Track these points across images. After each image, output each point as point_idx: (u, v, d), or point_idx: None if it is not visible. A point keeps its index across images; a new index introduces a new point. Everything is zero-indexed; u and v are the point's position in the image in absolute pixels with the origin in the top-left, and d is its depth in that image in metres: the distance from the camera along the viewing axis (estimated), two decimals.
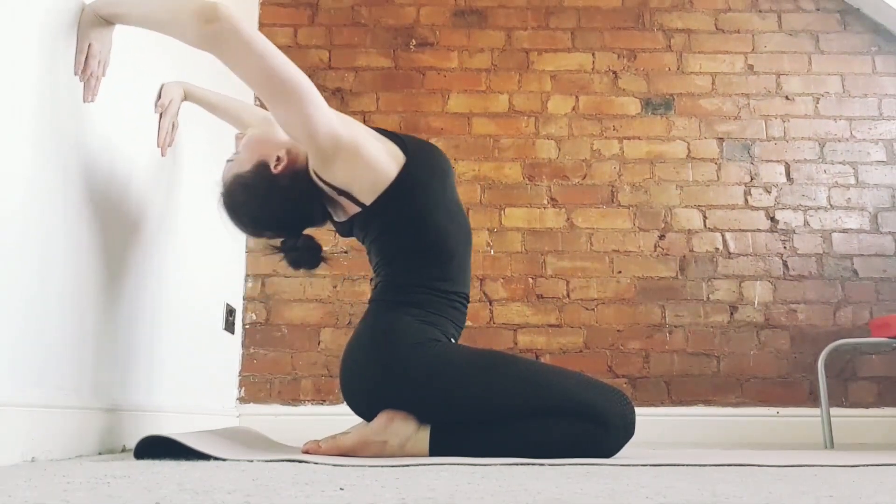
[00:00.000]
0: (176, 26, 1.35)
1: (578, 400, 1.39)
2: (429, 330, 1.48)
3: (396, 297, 1.52)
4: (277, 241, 1.60)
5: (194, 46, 1.36)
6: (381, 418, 1.43)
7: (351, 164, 1.47)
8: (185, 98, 1.79)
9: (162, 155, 1.74)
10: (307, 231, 1.61)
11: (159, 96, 1.72)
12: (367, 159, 1.47)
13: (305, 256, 1.59)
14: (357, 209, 1.52)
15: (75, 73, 1.33)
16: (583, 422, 1.38)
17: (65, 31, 1.31)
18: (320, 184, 1.53)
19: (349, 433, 1.46)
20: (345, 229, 1.61)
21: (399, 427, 1.42)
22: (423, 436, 1.42)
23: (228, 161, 1.59)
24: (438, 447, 1.40)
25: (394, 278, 1.54)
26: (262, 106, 1.90)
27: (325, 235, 2.03)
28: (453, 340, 1.56)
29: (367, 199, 1.50)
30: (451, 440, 1.40)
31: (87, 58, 1.35)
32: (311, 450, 1.44)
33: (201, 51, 1.37)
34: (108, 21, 1.39)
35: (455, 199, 1.61)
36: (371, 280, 1.64)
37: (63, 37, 1.31)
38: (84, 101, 1.36)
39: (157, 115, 1.72)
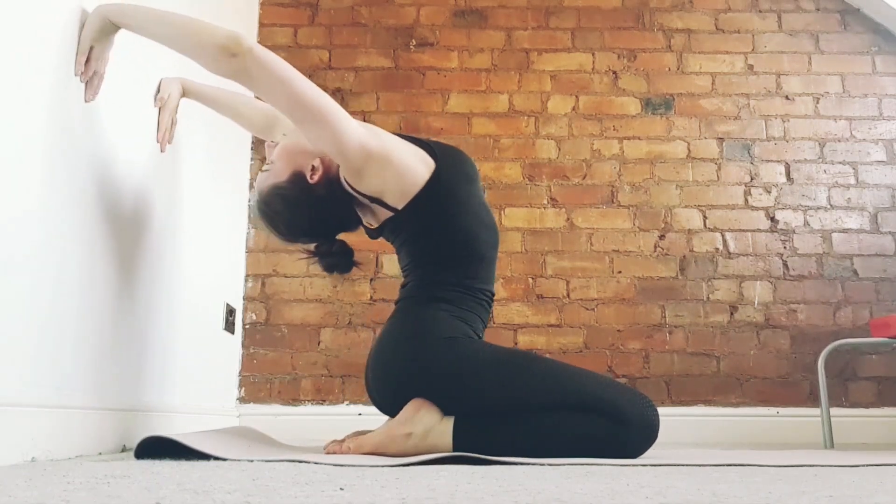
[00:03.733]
0: (200, 57, 1.37)
1: (599, 397, 1.41)
2: (460, 326, 1.52)
3: (428, 292, 1.56)
4: (311, 246, 1.65)
5: (216, 75, 1.39)
6: (408, 409, 1.45)
7: (382, 173, 1.50)
8: (185, 94, 1.79)
9: (161, 151, 1.74)
10: (340, 236, 1.66)
11: (158, 91, 1.73)
12: (398, 166, 1.51)
13: (339, 261, 1.64)
14: (389, 214, 1.56)
15: (76, 74, 1.33)
16: (603, 419, 1.40)
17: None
18: (352, 192, 1.57)
19: (373, 430, 1.48)
20: (375, 232, 1.66)
21: (424, 417, 1.44)
22: (447, 427, 1.43)
23: (263, 171, 1.62)
24: (461, 440, 1.41)
25: (424, 278, 1.58)
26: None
27: None
28: (480, 336, 1.60)
29: (399, 204, 1.54)
30: (474, 433, 1.42)
31: (88, 59, 1.35)
32: (335, 451, 1.44)
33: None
34: (115, 25, 1.39)
35: (482, 201, 1.65)
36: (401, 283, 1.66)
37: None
38: (86, 101, 1.36)
39: (156, 111, 1.72)
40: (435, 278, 1.57)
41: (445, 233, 1.56)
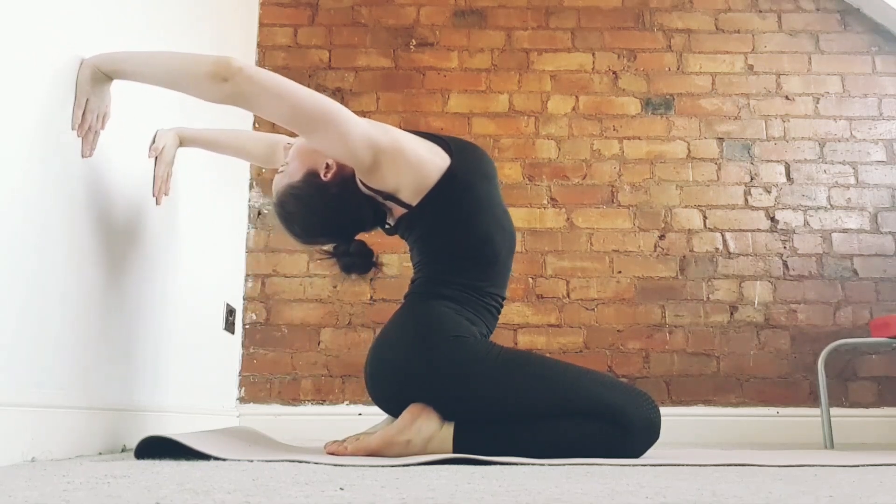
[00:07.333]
0: (193, 89, 1.36)
1: (603, 402, 1.40)
2: (466, 325, 1.50)
3: (434, 289, 1.54)
4: (329, 247, 1.63)
5: (213, 103, 1.38)
6: (406, 416, 1.44)
7: (395, 168, 1.49)
8: (182, 143, 1.78)
9: (157, 203, 1.73)
10: (359, 236, 1.64)
11: (153, 141, 1.71)
12: (410, 160, 1.49)
13: (358, 262, 1.62)
14: (403, 210, 1.54)
15: (73, 128, 1.32)
16: (607, 424, 1.39)
17: (66, 27, 1.31)
18: (366, 191, 1.55)
19: (373, 433, 1.47)
20: (392, 230, 1.64)
21: (423, 425, 1.42)
22: (447, 434, 1.42)
23: (279, 172, 1.61)
24: (462, 446, 1.40)
25: (434, 275, 1.56)
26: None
27: None
28: None
29: (413, 200, 1.52)
30: (474, 439, 1.40)
31: (84, 112, 1.34)
32: (335, 451, 1.44)
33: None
34: (108, 76, 1.38)
35: (500, 202, 1.63)
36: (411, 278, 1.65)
37: (64, 31, 1.31)
38: (82, 157, 1.35)
39: (152, 161, 1.71)
40: (444, 276, 1.54)
41: (459, 231, 1.54)
